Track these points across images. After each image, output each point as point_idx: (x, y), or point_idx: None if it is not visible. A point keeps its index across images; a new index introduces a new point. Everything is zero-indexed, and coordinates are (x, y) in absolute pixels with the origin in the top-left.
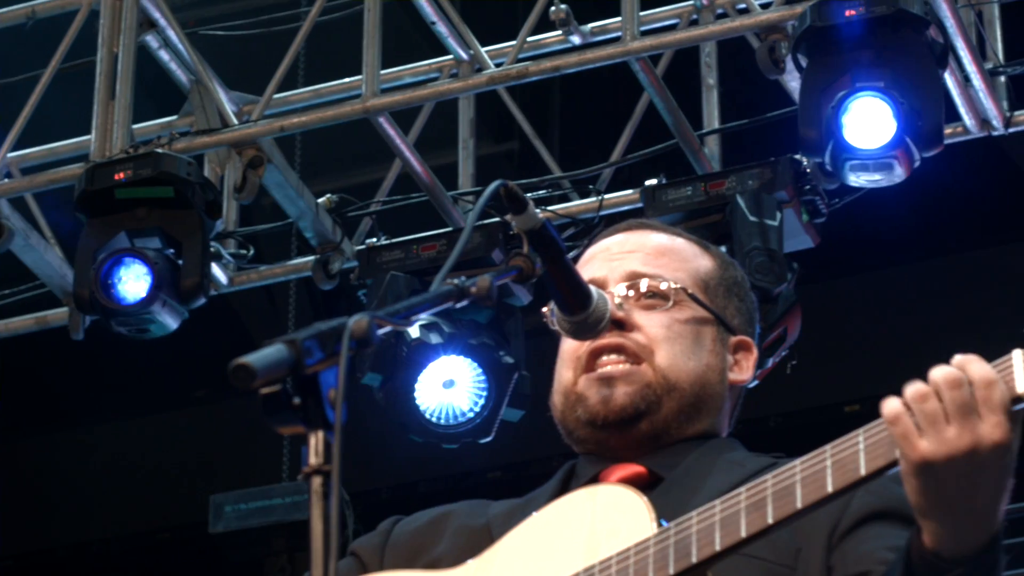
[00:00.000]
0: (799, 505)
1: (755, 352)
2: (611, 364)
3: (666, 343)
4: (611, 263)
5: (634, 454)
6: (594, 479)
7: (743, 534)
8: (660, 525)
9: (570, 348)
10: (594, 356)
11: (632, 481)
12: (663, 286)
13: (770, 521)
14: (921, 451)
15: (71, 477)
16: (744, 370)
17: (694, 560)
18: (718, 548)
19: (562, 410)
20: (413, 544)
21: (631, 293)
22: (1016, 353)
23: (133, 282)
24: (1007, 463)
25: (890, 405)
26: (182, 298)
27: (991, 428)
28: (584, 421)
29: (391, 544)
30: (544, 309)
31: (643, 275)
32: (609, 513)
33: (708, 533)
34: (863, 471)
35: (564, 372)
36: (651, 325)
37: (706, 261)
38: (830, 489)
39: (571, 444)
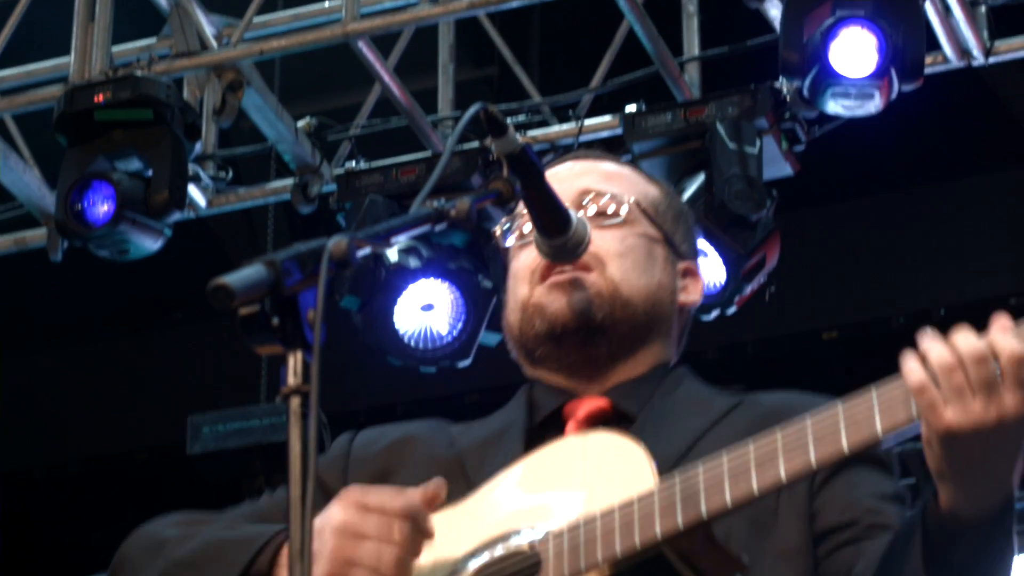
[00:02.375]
0: (813, 462)
1: (702, 280)
2: (566, 271)
3: (619, 257)
4: (562, 184)
5: (593, 374)
6: (558, 411)
7: (755, 491)
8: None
9: (524, 264)
10: (550, 268)
11: (597, 416)
12: (616, 202)
13: (783, 478)
14: (947, 421)
15: (48, 397)
16: (692, 293)
17: (704, 514)
18: (729, 503)
19: (520, 327)
20: (376, 466)
21: (584, 211)
22: None
23: (100, 204)
24: None
25: (914, 372)
26: (153, 214)
27: (1019, 402)
28: (543, 334)
29: (352, 465)
30: (495, 230)
31: (596, 192)
32: (605, 462)
33: (718, 486)
34: (879, 430)
35: (520, 288)
36: (604, 240)
37: (653, 188)
38: (845, 448)
39: (529, 367)
